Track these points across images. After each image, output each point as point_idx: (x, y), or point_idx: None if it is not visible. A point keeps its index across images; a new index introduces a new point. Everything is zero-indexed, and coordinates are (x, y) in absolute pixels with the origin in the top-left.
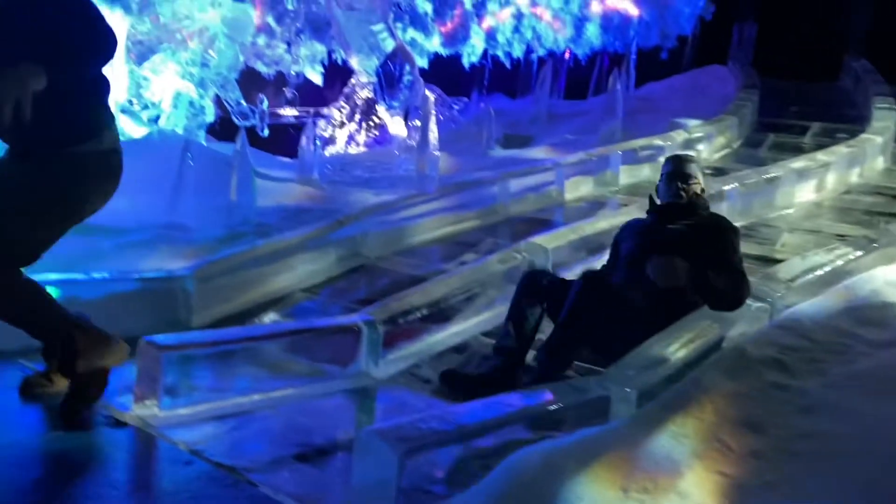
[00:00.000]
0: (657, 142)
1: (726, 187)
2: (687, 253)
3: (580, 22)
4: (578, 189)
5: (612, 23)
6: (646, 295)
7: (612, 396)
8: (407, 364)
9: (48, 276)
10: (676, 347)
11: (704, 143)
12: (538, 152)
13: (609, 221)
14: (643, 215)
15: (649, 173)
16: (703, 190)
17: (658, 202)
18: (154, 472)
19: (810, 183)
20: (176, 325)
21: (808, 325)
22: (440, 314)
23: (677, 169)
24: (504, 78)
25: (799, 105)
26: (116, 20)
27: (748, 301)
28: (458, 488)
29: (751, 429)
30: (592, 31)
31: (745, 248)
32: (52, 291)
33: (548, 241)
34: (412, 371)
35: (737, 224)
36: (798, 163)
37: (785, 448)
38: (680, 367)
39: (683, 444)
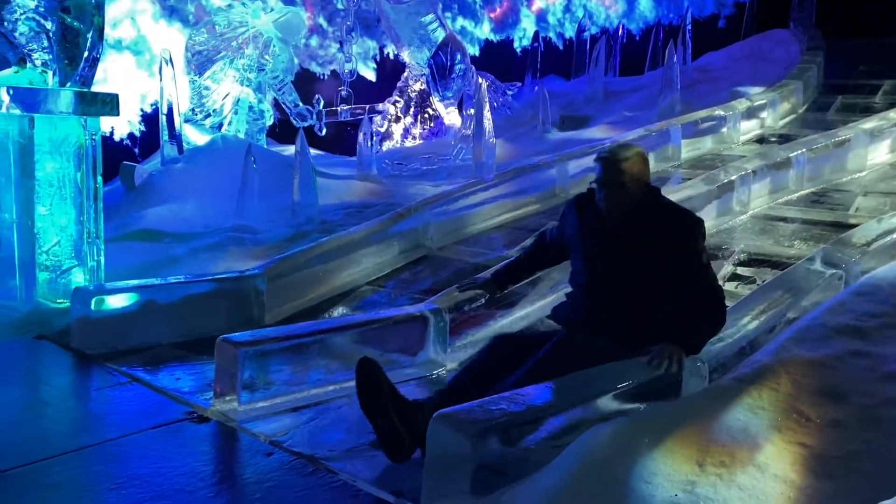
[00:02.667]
0: (718, 112)
1: (793, 154)
2: (651, 260)
3: None
4: None
5: None
6: (613, 338)
7: (684, 371)
8: (475, 350)
9: (128, 282)
10: (749, 319)
11: (768, 111)
12: (596, 132)
13: (672, 196)
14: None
15: (712, 145)
16: (646, 184)
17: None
18: (237, 463)
19: (884, 143)
20: (250, 322)
21: (887, 291)
22: (505, 299)
23: (605, 176)
24: (557, 59)
25: (868, 63)
26: (175, 33)
27: (821, 268)
28: (530, 468)
29: (830, 398)
30: (645, 5)
31: (817, 214)
32: (129, 297)
33: None
34: None
35: (806, 190)
36: (869, 123)
37: (868, 416)
38: (753, 338)
39: (760, 416)
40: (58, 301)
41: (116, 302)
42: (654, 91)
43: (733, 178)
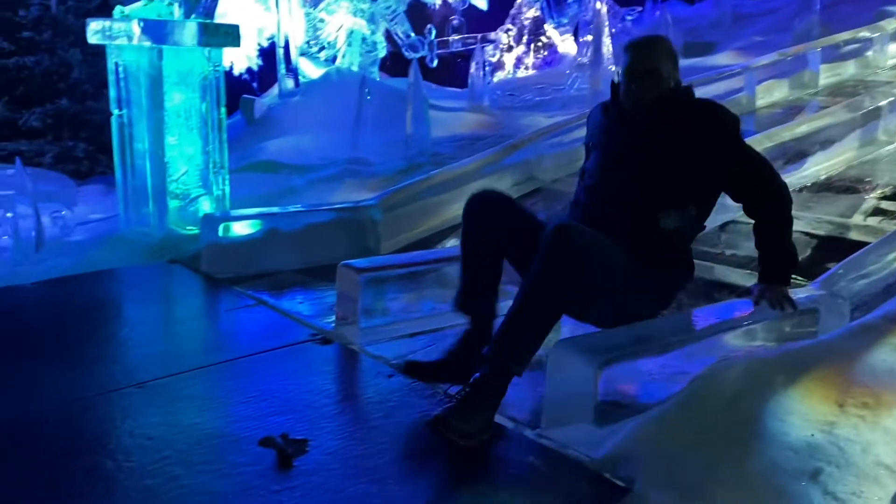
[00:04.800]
0: (863, 34)
1: None
2: (681, 161)
3: None
4: (772, 94)
5: None
6: (630, 244)
7: (822, 308)
8: None
9: (249, 210)
10: None
11: None
12: (723, 58)
13: (809, 125)
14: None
15: (854, 70)
16: (677, 83)
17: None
18: (359, 383)
19: None
20: (366, 251)
21: None
22: None
23: (634, 64)
24: None
25: None
26: None
27: None
28: (654, 401)
29: None
30: None
31: None
32: (254, 225)
33: None
34: None
35: None
36: None
37: None
38: None
39: None
40: (187, 228)
41: (242, 229)
42: (788, 14)
43: (880, 104)
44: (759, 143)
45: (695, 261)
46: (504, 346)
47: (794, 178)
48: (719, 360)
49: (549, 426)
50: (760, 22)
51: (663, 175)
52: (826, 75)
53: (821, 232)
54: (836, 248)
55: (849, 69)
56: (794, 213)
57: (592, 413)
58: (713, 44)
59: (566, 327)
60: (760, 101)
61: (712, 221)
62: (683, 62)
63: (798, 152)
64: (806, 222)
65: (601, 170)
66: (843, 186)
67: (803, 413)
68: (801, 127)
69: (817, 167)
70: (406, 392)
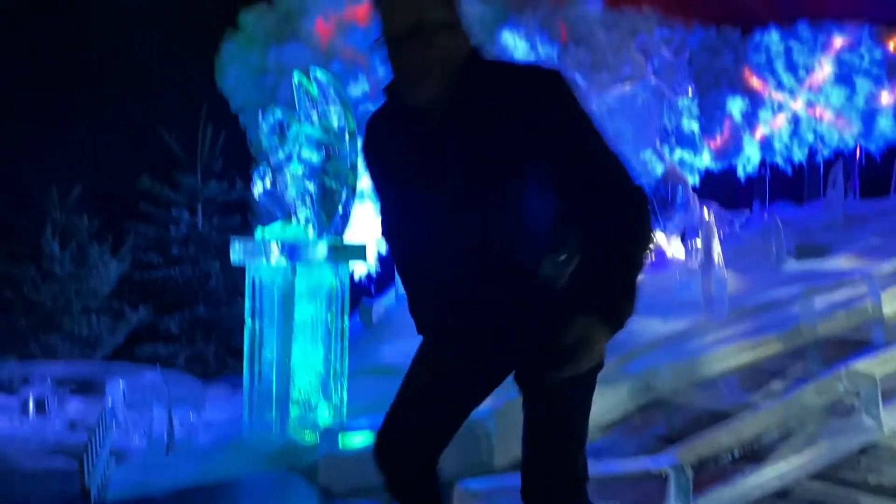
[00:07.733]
0: None
1: None
2: (519, 153)
3: (869, 116)
4: None
5: None
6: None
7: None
8: None
9: (366, 421)
10: None
11: None
12: (840, 262)
13: None
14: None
15: None
16: (465, 32)
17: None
18: None
19: None
20: (479, 465)
21: None
22: (753, 454)
23: (388, 26)
24: (785, 185)
25: None
26: None
27: None
28: None
29: None
30: (885, 124)
31: None
32: (369, 437)
33: (873, 366)
34: None
35: None
36: None
37: None
38: None
39: None
40: (306, 435)
41: (359, 440)
42: None
43: None
44: (894, 359)
45: (834, 488)
46: None
47: None
48: None
49: None
50: (874, 223)
51: (523, 178)
52: None
53: None
54: None
55: None
56: None
57: None
58: (826, 246)
59: None
60: (888, 310)
61: (848, 445)
62: (797, 266)
63: None
64: None
65: (432, 210)
66: None
67: None
68: None
69: None
70: None
